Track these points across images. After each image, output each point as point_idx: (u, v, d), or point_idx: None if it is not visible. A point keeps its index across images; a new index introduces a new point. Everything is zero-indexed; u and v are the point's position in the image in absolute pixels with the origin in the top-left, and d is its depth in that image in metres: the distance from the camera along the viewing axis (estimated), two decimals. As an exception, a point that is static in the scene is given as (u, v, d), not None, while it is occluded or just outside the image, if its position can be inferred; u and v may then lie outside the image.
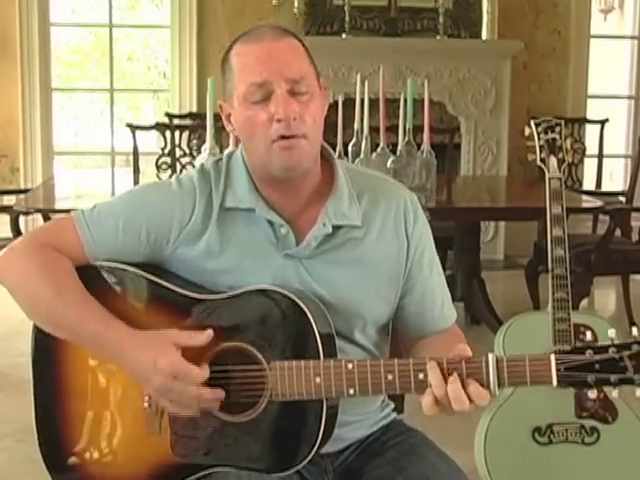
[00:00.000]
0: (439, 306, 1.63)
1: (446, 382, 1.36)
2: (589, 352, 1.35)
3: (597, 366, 1.34)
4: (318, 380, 1.41)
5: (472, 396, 1.36)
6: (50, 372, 1.56)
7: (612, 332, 1.36)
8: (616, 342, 1.35)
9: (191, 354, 1.45)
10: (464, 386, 1.36)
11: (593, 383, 1.35)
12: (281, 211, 1.53)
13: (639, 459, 2.37)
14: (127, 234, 1.53)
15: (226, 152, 1.65)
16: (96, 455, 1.56)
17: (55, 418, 1.57)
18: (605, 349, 1.35)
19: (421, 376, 1.39)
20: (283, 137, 1.46)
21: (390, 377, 1.40)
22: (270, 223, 1.53)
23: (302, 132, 1.46)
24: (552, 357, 1.36)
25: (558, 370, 1.35)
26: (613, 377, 1.34)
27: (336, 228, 1.54)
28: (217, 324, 1.48)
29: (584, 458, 2.35)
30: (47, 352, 1.56)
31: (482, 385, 1.36)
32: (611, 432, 2.35)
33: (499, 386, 1.37)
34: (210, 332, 1.44)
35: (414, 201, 1.62)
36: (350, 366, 1.41)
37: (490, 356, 1.37)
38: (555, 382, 1.35)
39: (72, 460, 1.56)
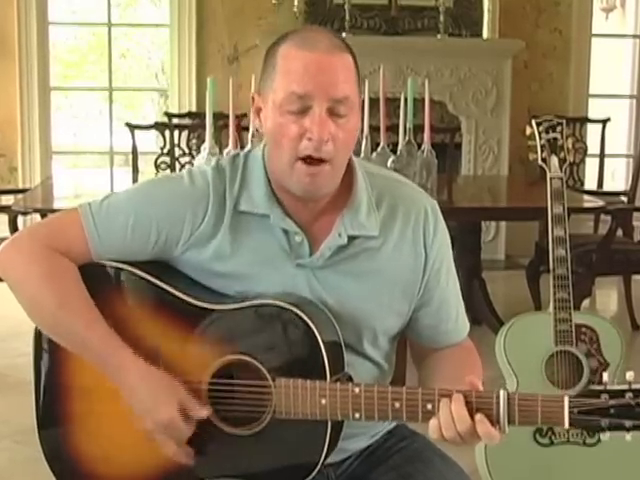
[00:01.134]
0: (454, 318, 1.59)
1: (455, 423, 1.33)
2: (604, 396, 1.31)
3: (612, 411, 1.30)
4: (324, 401, 1.39)
5: (481, 434, 1.33)
6: (51, 373, 1.54)
7: (630, 375, 1.32)
8: (633, 387, 1.31)
9: (191, 366, 1.45)
10: (473, 421, 1.33)
11: (606, 427, 1.31)
12: (296, 217, 1.48)
13: (641, 461, 2.36)
14: (136, 233, 1.48)
15: (245, 150, 1.58)
16: (97, 458, 1.55)
17: (57, 419, 1.55)
18: (621, 394, 1.31)
19: (429, 407, 1.35)
20: (310, 159, 1.41)
21: (397, 405, 1.37)
22: (284, 230, 1.48)
23: (330, 156, 1.41)
24: (566, 399, 1.32)
25: (571, 412, 1.31)
26: (628, 423, 1.30)
27: (352, 238, 1.49)
28: (222, 336, 1.46)
29: (585, 459, 2.35)
30: (48, 353, 1.54)
31: (491, 422, 1.33)
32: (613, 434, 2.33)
33: (509, 423, 1.33)
34: (209, 411, 1.43)
35: (434, 209, 1.56)
36: (357, 390, 1.38)
37: (502, 393, 1.34)
38: (567, 424, 1.32)
39: (74, 461, 1.55)
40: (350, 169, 1.51)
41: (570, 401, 1.31)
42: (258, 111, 1.49)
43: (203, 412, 1.43)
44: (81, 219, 1.49)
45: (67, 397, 1.54)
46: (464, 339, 1.61)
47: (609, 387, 1.31)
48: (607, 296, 5.32)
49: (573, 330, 2.31)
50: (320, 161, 1.41)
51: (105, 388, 1.52)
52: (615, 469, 2.37)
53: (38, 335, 1.54)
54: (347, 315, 1.48)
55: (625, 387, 1.31)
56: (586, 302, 4.32)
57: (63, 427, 1.55)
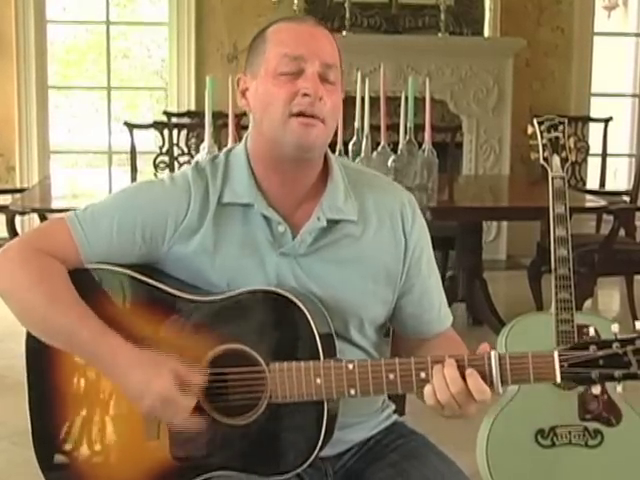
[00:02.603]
0: (436, 308, 1.62)
1: (448, 386, 1.36)
2: (592, 347, 1.34)
3: (601, 362, 1.34)
4: (319, 381, 1.40)
5: (471, 388, 1.36)
6: (45, 376, 1.54)
7: (615, 327, 1.35)
8: (619, 337, 1.34)
9: (189, 358, 1.44)
10: (465, 383, 1.36)
11: (597, 379, 1.34)
12: (279, 207, 1.51)
13: (644, 463, 2.36)
14: (122, 234, 1.51)
15: (224, 149, 1.62)
16: (93, 460, 1.54)
17: (51, 422, 1.54)
18: (609, 344, 1.34)
19: (423, 375, 1.39)
20: (303, 115, 1.44)
21: (391, 376, 1.39)
22: (267, 220, 1.50)
23: (323, 115, 1.45)
24: (555, 353, 1.35)
25: (562, 366, 1.35)
26: (617, 372, 1.33)
27: (332, 223, 1.52)
28: (214, 326, 1.46)
29: (588, 461, 2.34)
30: (42, 356, 1.53)
31: (484, 382, 1.36)
32: (615, 435, 2.34)
33: (502, 384, 1.36)
34: (206, 377, 1.43)
35: (412, 201, 1.60)
36: (351, 366, 1.40)
37: (493, 353, 1.37)
38: (559, 378, 1.35)
39: (69, 464, 1.54)
40: (326, 160, 1.55)
41: (560, 355, 1.34)
42: (244, 92, 1.53)
43: (198, 377, 1.43)
44: (69, 226, 1.51)
45: (63, 401, 1.54)
46: (448, 329, 1.64)
47: (596, 339, 1.35)
48: (609, 296, 5.31)
49: (575, 331, 2.30)
50: (314, 118, 1.45)
51: (102, 392, 1.52)
52: (617, 471, 2.36)
53: (29, 338, 1.52)
54: (333, 303, 1.50)
55: (612, 338, 1.34)
56: (588, 302, 4.31)
57: (57, 432, 1.54)
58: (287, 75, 1.45)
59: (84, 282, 1.50)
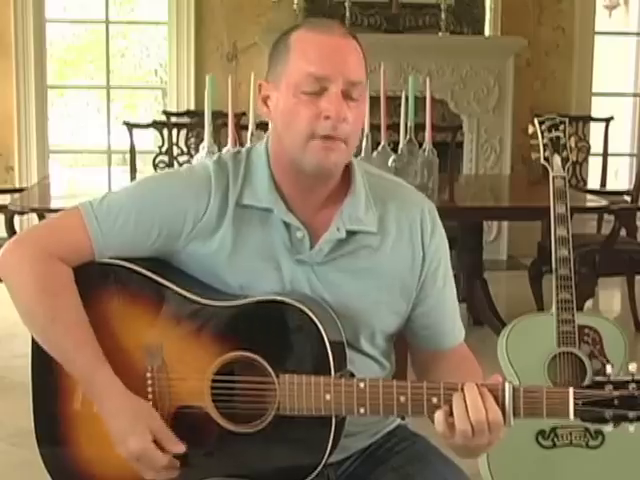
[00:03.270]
0: (450, 321, 1.60)
1: (468, 415, 1.34)
2: (609, 387, 1.33)
3: (616, 402, 1.32)
4: (328, 397, 1.39)
5: (486, 406, 1.34)
6: (50, 372, 1.52)
7: (633, 367, 1.34)
8: (637, 378, 1.32)
9: (195, 363, 1.44)
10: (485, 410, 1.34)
11: (610, 419, 1.33)
12: (298, 211, 1.49)
13: (645, 464, 2.35)
14: (138, 228, 1.48)
15: (246, 146, 1.60)
16: (95, 460, 1.53)
17: (54, 421, 1.54)
18: (625, 385, 1.33)
19: (434, 400, 1.37)
20: (326, 137, 1.42)
21: (402, 399, 1.38)
22: (286, 226, 1.49)
23: (345, 135, 1.44)
24: (570, 390, 1.34)
25: (576, 404, 1.33)
26: (631, 414, 1.32)
27: (351, 234, 1.50)
28: (224, 332, 1.45)
29: (588, 462, 2.34)
30: (46, 355, 1.51)
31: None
32: (616, 435, 2.30)
33: (514, 416, 1.34)
34: (183, 447, 1.44)
35: (432, 211, 1.58)
36: (362, 385, 1.39)
37: (507, 385, 1.35)
38: (572, 416, 1.33)
39: (70, 462, 1.54)
40: (349, 166, 1.53)
41: (575, 392, 1.33)
42: (265, 99, 1.50)
43: (177, 447, 1.44)
44: (84, 219, 1.49)
45: (65, 401, 1.53)
46: (461, 344, 1.61)
47: (612, 378, 1.33)
48: (610, 297, 5.30)
49: (576, 331, 2.30)
50: (337, 139, 1.43)
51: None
52: (618, 471, 2.36)
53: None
54: (345, 312, 1.48)
55: (628, 378, 1.33)
56: (589, 303, 4.31)
57: (61, 429, 1.54)
58: (309, 94, 1.42)
59: (95, 277, 1.49)
